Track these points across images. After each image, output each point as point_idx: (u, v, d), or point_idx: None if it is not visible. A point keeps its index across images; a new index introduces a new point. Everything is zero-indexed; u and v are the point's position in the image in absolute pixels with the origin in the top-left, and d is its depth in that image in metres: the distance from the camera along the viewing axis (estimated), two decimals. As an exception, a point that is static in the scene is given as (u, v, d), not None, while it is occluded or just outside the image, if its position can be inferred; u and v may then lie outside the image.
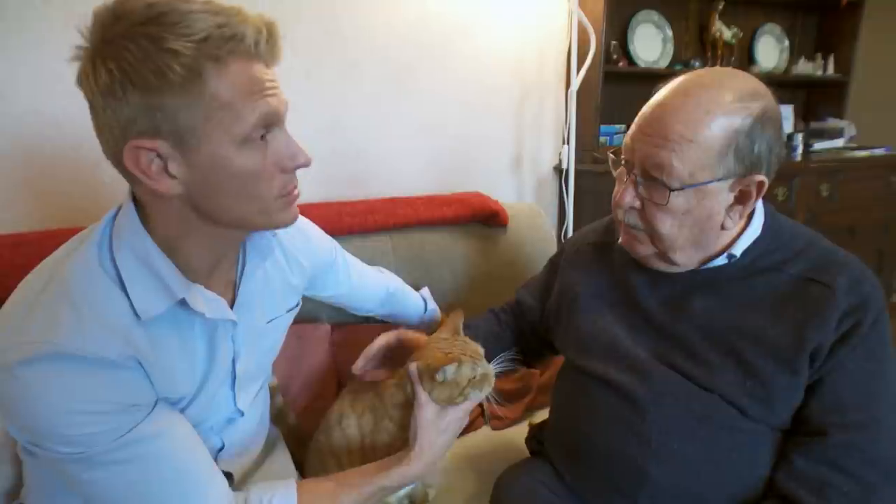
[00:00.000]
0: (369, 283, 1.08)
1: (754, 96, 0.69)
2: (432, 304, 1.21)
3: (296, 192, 0.66)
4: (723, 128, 0.67)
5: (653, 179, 0.71)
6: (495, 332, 1.02)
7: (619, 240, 0.82)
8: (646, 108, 0.73)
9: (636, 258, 0.81)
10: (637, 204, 0.75)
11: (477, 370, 0.78)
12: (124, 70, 0.52)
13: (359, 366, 0.88)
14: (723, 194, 0.71)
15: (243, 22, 0.56)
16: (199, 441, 0.68)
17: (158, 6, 0.53)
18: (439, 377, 0.75)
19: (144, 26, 0.52)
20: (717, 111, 0.67)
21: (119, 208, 0.65)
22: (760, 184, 0.71)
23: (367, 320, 1.19)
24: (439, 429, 0.78)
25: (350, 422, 0.87)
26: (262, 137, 0.59)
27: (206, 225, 0.63)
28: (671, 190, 0.70)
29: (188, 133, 0.55)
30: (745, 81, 0.70)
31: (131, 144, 0.55)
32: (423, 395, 0.78)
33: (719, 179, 0.69)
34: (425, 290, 1.22)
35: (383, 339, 0.90)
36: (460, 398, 0.77)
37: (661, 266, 0.79)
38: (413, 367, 0.79)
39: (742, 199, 0.72)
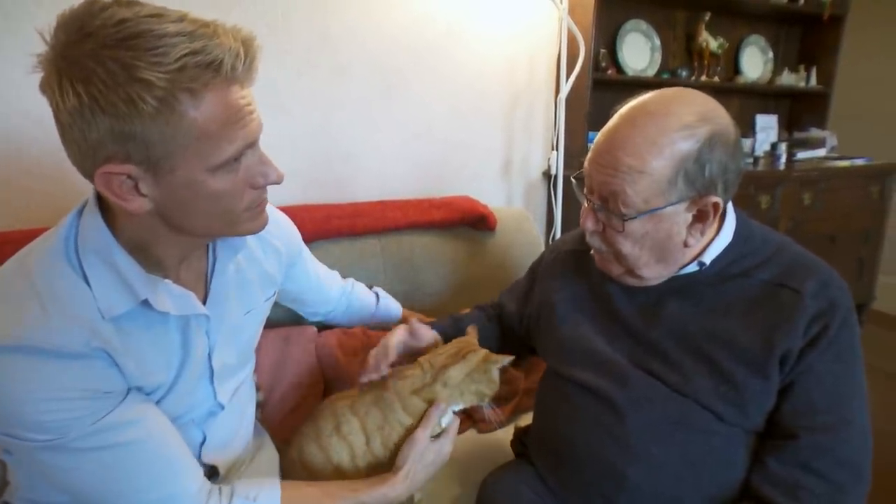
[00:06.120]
0: (329, 282, 1.08)
1: (703, 120, 0.69)
2: (385, 298, 1.19)
3: (264, 203, 0.66)
4: (669, 157, 0.68)
5: (609, 207, 0.73)
6: (487, 325, 1.03)
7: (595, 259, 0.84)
8: (599, 137, 0.74)
9: (610, 276, 0.82)
10: (599, 228, 0.77)
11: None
12: (93, 95, 0.49)
13: (381, 369, 0.83)
14: (680, 216, 0.72)
15: (219, 45, 0.52)
16: (175, 432, 0.68)
17: (129, 25, 0.50)
18: (496, 373, 0.83)
19: (114, 49, 0.49)
20: (662, 141, 0.68)
21: (86, 202, 0.64)
22: (715, 205, 0.71)
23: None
24: (427, 461, 0.80)
25: (352, 427, 0.83)
26: (236, 160, 0.59)
27: (174, 233, 0.63)
28: (625, 219, 0.71)
29: (161, 160, 0.54)
30: (693, 105, 0.70)
31: (101, 171, 0.53)
32: (431, 424, 0.80)
33: (673, 204, 0.71)
34: (377, 288, 1.21)
35: (397, 338, 0.86)
36: (490, 391, 0.84)
37: (633, 282, 0.81)
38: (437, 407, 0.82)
39: (701, 217, 0.73)
